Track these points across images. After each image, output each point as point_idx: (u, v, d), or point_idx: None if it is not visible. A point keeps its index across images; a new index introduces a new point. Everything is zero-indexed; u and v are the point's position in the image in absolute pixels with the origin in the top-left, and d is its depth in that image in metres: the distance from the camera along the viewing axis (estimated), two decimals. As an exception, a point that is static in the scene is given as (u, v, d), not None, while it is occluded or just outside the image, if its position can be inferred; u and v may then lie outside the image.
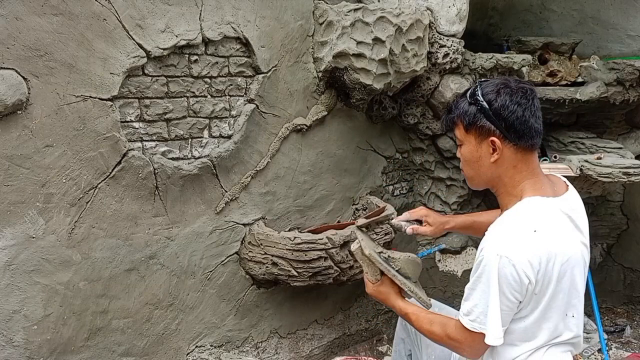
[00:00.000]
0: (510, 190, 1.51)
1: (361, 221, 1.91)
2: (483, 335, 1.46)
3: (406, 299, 1.72)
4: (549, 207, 1.47)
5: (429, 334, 1.59)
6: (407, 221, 1.92)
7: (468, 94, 1.52)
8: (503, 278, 1.39)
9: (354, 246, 1.78)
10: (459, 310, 1.54)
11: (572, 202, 1.55)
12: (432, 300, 1.78)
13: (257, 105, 2.32)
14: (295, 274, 2.31)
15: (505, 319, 1.44)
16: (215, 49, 2.16)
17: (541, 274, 1.41)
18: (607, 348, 3.05)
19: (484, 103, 1.46)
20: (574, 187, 1.66)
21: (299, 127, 2.50)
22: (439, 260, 3.22)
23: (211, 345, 2.36)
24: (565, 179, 1.64)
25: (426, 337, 1.66)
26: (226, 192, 2.30)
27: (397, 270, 1.72)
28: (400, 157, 3.12)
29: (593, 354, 3.06)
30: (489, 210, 1.95)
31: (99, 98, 1.87)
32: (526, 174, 1.50)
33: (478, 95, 1.48)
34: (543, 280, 1.42)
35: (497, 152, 1.48)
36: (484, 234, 1.50)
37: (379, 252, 1.74)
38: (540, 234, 1.41)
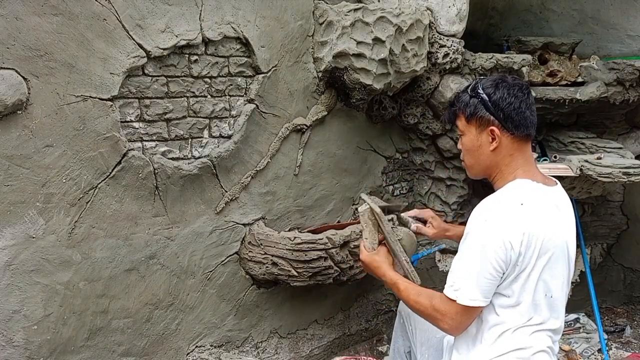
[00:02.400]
0: (506, 177, 1.61)
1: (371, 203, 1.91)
2: (467, 306, 1.51)
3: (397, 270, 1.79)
4: (538, 189, 1.57)
5: (415, 305, 1.64)
6: (414, 218, 2.03)
7: (469, 88, 1.64)
8: (488, 244, 1.48)
9: (362, 207, 1.81)
10: None
11: (560, 195, 1.64)
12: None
13: (257, 105, 2.32)
14: (295, 274, 2.31)
15: (485, 286, 1.49)
16: (215, 49, 2.16)
17: (524, 246, 1.48)
18: (607, 348, 3.05)
19: (484, 95, 1.58)
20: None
21: (299, 127, 2.50)
22: (439, 260, 3.22)
23: (211, 345, 2.36)
24: (554, 179, 1.72)
25: (412, 309, 1.70)
26: (226, 192, 2.30)
27: (399, 240, 1.79)
28: (400, 157, 3.12)
29: (593, 354, 3.06)
30: None
31: (99, 98, 1.87)
32: (521, 162, 1.60)
33: (479, 88, 1.60)
34: (526, 253, 1.49)
35: (495, 140, 1.59)
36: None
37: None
38: (526, 208, 1.51)
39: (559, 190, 1.65)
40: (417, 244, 1.92)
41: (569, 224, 1.63)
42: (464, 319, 1.54)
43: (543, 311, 1.55)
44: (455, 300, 1.51)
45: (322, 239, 2.28)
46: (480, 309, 1.53)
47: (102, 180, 1.93)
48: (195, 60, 2.11)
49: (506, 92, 1.57)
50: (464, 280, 1.50)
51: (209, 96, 2.19)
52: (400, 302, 1.98)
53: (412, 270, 1.78)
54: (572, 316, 3.29)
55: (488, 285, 1.50)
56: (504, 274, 1.50)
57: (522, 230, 1.48)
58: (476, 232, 1.52)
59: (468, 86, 1.66)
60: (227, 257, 2.36)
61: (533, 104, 1.60)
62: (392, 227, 1.81)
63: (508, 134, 1.58)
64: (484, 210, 1.54)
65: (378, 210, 1.78)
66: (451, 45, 2.72)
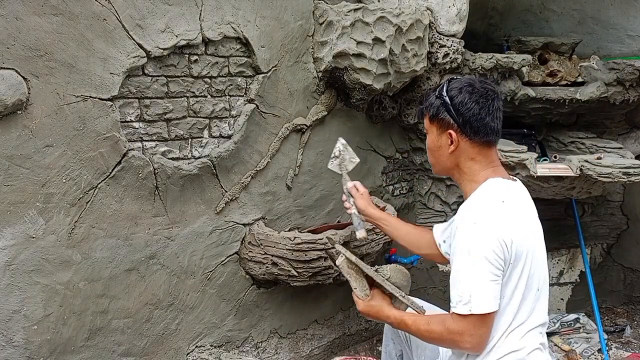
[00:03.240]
0: (472, 178, 1.63)
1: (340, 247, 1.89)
2: (483, 315, 1.47)
3: (397, 306, 1.72)
4: (511, 186, 1.61)
5: (428, 334, 1.59)
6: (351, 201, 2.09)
7: (437, 89, 1.66)
8: (485, 244, 1.46)
9: (339, 260, 1.77)
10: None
11: (524, 191, 1.67)
12: (421, 302, 1.78)
13: (257, 105, 2.32)
14: (295, 274, 2.31)
15: (494, 289, 1.47)
16: (215, 49, 2.16)
17: (514, 243, 1.49)
18: (607, 348, 3.05)
19: (447, 98, 1.60)
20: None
21: (299, 127, 2.50)
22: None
23: (211, 345, 2.36)
24: (512, 176, 1.74)
25: (426, 341, 1.66)
26: (226, 192, 2.30)
27: (386, 279, 1.72)
28: (400, 157, 3.12)
29: (593, 354, 3.06)
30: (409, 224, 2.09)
31: (99, 98, 1.87)
32: (485, 165, 1.62)
33: (443, 90, 1.62)
34: (517, 249, 1.49)
35: (453, 144, 1.61)
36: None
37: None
38: (508, 204, 1.53)
39: (521, 186, 1.67)
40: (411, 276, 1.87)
41: (537, 217, 1.66)
42: (483, 331, 1.50)
43: (532, 306, 1.55)
44: (469, 315, 1.47)
45: (322, 239, 2.28)
46: (494, 315, 1.50)
47: (102, 180, 1.93)
48: (195, 60, 2.11)
49: (468, 97, 1.57)
50: (472, 291, 1.46)
51: (209, 96, 2.19)
52: None
53: (413, 302, 1.71)
54: (572, 316, 3.29)
55: (495, 287, 1.47)
56: (504, 271, 1.49)
57: (510, 227, 1.49)
58: (468, 238, 1.49)
59: (437, 86, 1.68)
60: (227, 257, 2.36)
61: (497, 111, 1.60)
62: (375, 270, 1.75)
63: (466, 138, 1.59)
64: (468, 215, 1.52)
65: (354, 258, 1.74)
66: (451, 45, 2.72)
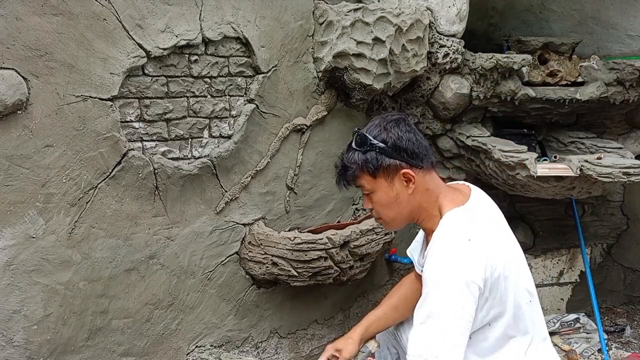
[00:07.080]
0: (430, 212, 1.54)
1: None
2: None
3: None
4: (469, 213, 1.49)
5: None
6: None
7: (357, 145, 1.53)
8: (456, 293, 1.37)
9: None
10: None
11: (483, 201, 1.58)
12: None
13: (257, 105, 2.32)
14: (295, 274, 2.31)
15: (461, 341, 1.38)
16: (215, 49, 2.16)
17: (488, 279, 1.40)
18: (607, 348, 3.05)
19: (380, 144, 1.49)
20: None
21: (299, 127, 2.50)
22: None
23: (211, 345, 2.36)
24: (467, 183, 1.64)
25: None
26: (226, 192, 2.30)
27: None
28: (400, 157, 3.11)
29: (593, 354, 3.06)
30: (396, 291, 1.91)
31: (99, 98, 1.87)
32: (437, 191, 1.54)
33: (370, 140, 1.50)
34: (492, 283, 1.42)
35: (412, 181, 1.50)
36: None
37: None
38: (474, 241, 1.42)
39: (477, 193, 1.58)
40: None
41: (503, 223, 1.58)
42: None
43: (528, 320, 1.50)
44: None
45: (322, 239, 2.28)
46: None
47: (102, 180, 1.93)
48: (195, 60, 2.11)
49: (397, 130, 1.49)
50: (438, 351, 1.36)
51: (209, 96, 2.19)
52: None
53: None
54: (572, 316, 3.29)
55: (463, 339, 1.38)
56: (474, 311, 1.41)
57: (481, 265, 1.40)
58: (438, 289, 1.39)
59: (350, 145, 1.56)
60: (227, 257, 2.36)
61: (420, 131, 1.55)
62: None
63: (418, 170, 1.50)
64: (437, 264, 1.42)
65: None
66: (451, 45, 2.72)
